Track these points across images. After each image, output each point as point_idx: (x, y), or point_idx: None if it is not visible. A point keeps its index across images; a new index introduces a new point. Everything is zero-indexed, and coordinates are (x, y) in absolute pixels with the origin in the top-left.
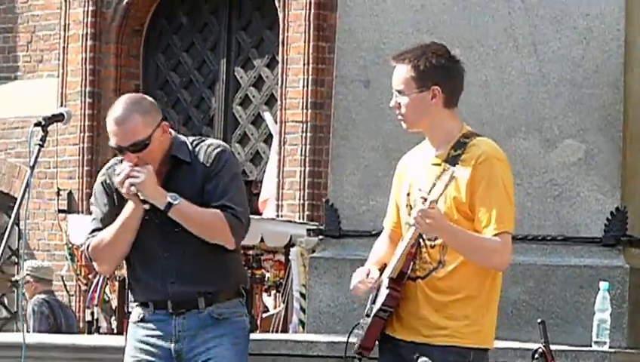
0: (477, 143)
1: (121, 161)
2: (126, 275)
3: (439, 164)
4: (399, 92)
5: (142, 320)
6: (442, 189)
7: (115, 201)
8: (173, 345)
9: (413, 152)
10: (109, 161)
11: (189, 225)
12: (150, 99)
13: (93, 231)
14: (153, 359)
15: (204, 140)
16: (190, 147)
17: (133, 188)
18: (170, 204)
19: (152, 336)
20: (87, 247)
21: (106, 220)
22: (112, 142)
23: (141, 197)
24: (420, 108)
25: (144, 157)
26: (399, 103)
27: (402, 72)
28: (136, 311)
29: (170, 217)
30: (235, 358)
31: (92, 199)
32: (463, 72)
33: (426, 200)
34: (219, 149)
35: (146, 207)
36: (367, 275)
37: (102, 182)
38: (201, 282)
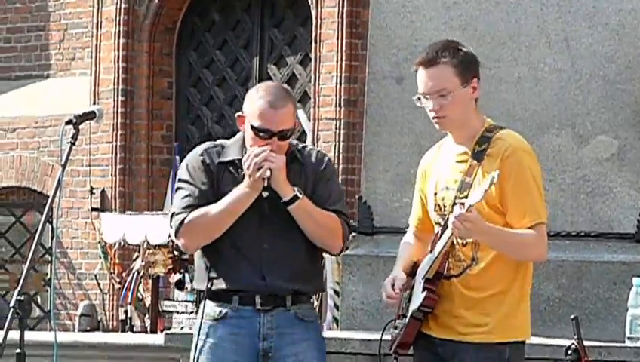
0: (502, 137)
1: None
2: (201, 262)
3: (465, 161)
4: (442, 93)
5: (224, 317)
6: (482, 194)
7: (214, 182)
8: (261, 343)
9: (435, 150)
10: (197, 147)
11: (307, 222)
12: None
13: (188, 207)
14: (240, 358)
15: (305, 146)
16: (297, 149)
17: (268, 173)
18: (296, 197)
19: (238, 334)
20: (181, 222)
21: (203, 199)
22: (260, 124)
23: (265, 184)
24: (464, 105)
25: (282, 148)
26: (441, 105)
27: (443, 72)
28: (211, 307)
29: (281, 209)
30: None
31: (184, 176)
32: None
33: (463, 204)
34: (327, 157)
35: (265, 194)
36: (393, 285)
37: (202, 161)
38: (296, 280)
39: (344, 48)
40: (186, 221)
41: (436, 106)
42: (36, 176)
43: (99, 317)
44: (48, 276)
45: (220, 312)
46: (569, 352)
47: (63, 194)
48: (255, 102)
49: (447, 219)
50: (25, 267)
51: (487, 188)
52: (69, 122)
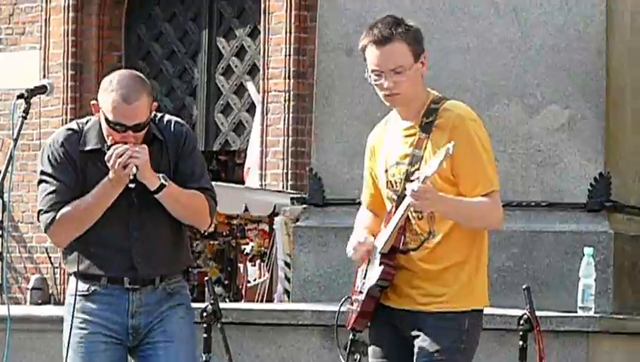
0: (448, 107)
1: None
2: (72, 248)
3: (413, 135)
4: (397, 71)
5: (93, 293)
6: (437, 166)
7: (79, 174)
8: (130, 320)
9: (382, 126)
10: (55, 134)
11: (175, 207)
12: None
13: (55, 204)
14: (108, 333)
15: (164, 115)
16: (155, 124)
17: (135, 169)
18: (162, 186)
19: (107, 311)
20: (51, 221)
21: (69, 193)
22: (113, 118)
23: (130, 177)
24: (416, 81)
25: (139, 138)
26: (395, 82)
27: (399, 49)
28: (80, 284)
29: (148, 197)
30: (187, 326)
31: (47, 169)
32: None
33: (420, 177)
34: (186, 127)
35: (132, 186)
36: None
37: (64, 153)
38: (166, 264)
39: (293, 20)
40: (55, 219)
41: (390, 83)
42: None
43: (50, 291)
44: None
45: (89, 289)
46: (521, 322)
47: (14, 168)
48: (108, 95)
49: (401, 193)
50: None
51: (442, 159)
52: (20, 96)
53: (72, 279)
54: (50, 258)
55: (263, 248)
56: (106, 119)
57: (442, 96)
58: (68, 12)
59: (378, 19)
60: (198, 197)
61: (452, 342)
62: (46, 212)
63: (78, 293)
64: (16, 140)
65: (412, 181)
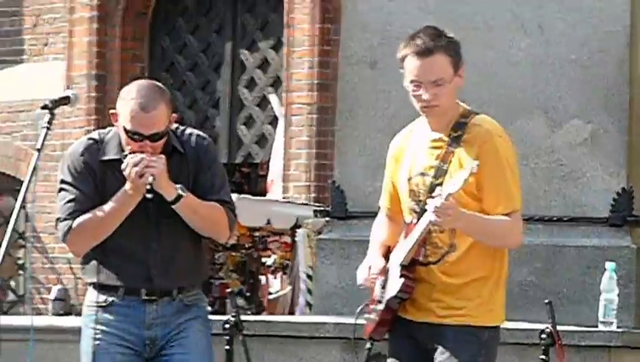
0: (478, 122)
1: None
2: (90, 259)
3: (440, 147)
4: (438, 83)
5: (110, 305)
6: (461, 184)
7: (98, 183)
8: (146, 332)
9: (407, 133)
10: (76, 144)
11: (193, 218)
12: None
13: (73, 212)
14: (125, 344)
15: (186, 128)
16: (177, 136)
17: (151, 178)
18: (180, 196)
19: (123, 322)
20: (68, 229)
21: (88, 203)
22: (131, 127)
23: (148, 187)
24: (454, 93)
25: (157, 148)
26: (434, 94)
27: (439, 62)
28: (96, 295)
29: (166, 208)
30: (204, 339)
31: (67, 177)
32: None
33: (442, 194)
34: (207, 141)
35: (149, 196)
36: (369, 269)
37: (84, 161)
38: (183, 276)
39: (316, 33)
40: (72, 228)
41: (430, 95)
42: (10, 161)
43: (72, 302)
44: (22, 260)
45: (106, 300)
46: (543, 336)
47: (37, 178)
48: (127, 103)
49: (424, 205)
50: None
51: (466, 177)
52: (44, 107)
53: (90, 290)
54: (72, 269)
55: (285, 260)
56: (124, 128)
57: (471, 110)
58: (92, 23)
59: (419, 30)
60: (217, 209)
61: (471, 355)
62: (64, 220)
63: (95, 304)
64: (39, 151)
65: (434, 197)
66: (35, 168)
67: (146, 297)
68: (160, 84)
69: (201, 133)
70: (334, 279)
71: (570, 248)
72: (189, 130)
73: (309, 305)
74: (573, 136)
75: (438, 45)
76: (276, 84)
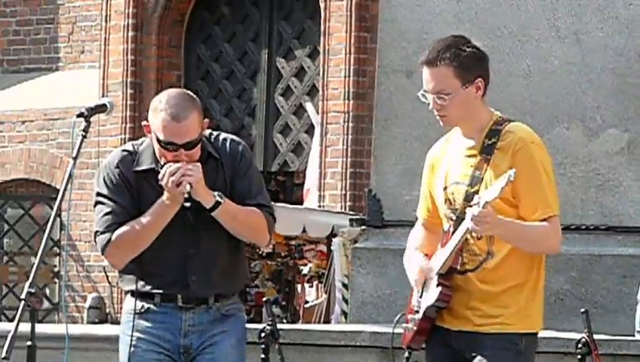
0: (511, 129)
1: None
2: (128, 267)
3: (475, 155)
4: (443, 94)
5: (147, 312)
6: (498, 192)
7: (135, 194)
8: (182, 339)
9: (443, 142)
10: (111, 156)
11: (232, 223)
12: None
13: (110, 225)
14: (161, 351)
15: (219, 134)
16: (211, 142)
17: (188, 187)
18: (218, 203)
19: (159, 329)
20: (107, 241)
21: (124, 215)
22: (164, 137)
23: (185, 196)
24: (466, 105)
25: (192, 156)
26: (441, 105)
27: (443, 73)
28: (134, 302)
29: (204, 214)
30: (237, 354)
31: (103, 190)
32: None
33: (480, 202)
34: (242, 145)
35: (187, 205)
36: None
37: (119, 174)
38: (221, 283)
39: (353, 41)
40: (111, 241)
41: (436, 106)
42: (45, 169)
43: (107, 310)
44: (57, 268)
45: (143, 307)
46: (579, 345)
47: (73, 186)
48: (158, 114)
49: (460, 213)
50: (35, 260)
51: (503, 185)
52: (80, 115)
53: (128, 297)
54: (107, 277)
55: (320, 269)
56: (157, 139)
57: (506, 118)
58: (127, 31)
59: (439, 39)
60: (256, 214)
61: None
62: (102, 233)
63: (132, 311)
64: (75, 159)
65: (472, 205)
66: (70, 176)
67: (182, 304)
68: (189, 92)
69: (235, 137)
70: (370, 288)
71: (607, 257)
72: (223, 135)
73: (344, 313)
74: (610, 145)
75: (441, 57)
76: (312, 92)
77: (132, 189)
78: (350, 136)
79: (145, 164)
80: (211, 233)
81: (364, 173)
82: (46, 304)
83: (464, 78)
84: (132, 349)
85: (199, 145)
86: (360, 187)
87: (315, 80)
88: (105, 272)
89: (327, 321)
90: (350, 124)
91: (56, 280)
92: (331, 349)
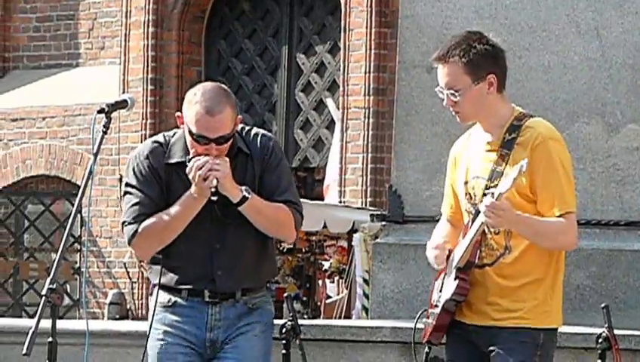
0: (531, 125)
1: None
2: (156, 261)
3: (495, 150)
4: (454, 90)
5: (174, 305)
6: (511, 183)
7: (164, 186)
8: (208, 333)
9: (465, 138)
10: (141, 146)
11: (259, 219)
12: None
13: (138, 216)
14: (186, 344)
15: (251, 129)
16: (242, 137)
17: (215, 182)
18: (245, 198)
19: (186, 323)
20: (134, 233)
21: (152, 206)
22: (197, 130)
23: (212, 190)
24: (479, 101)
25: (223, 151)
26: (454, 101)
27: (453, 70)
28: (163, 295)
29: (231, 209)
30: (261, 344)
31: (132, 181)
32: (505, 54)
33: (493, 194)
34: (272, 141)
35: (215, 198)
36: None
37: (148, 166)
38: (247, 277)
39: (373, 37)
40: (138, 232)
41: (450, 102)
42: (65, 165)
43: (128, 306)
44: (77, 265)
45: (170, 300)
46: (600, 341)
47: (93, 183)
48: (192, 106)
49: (478, 208)
50: (56, 256)
51: (516, 176)
52: (101, 111)
53: (156, 290)
54: (128, 273)
55: (341, 265)
56: (190, 131)
57: (526, 113)
58: (148, 27)
59: (453, 35)
60: (283, 210)
61: (526, 356)
62: (129, 224)
63: (159, 305)
64: (96, 155)
65: (486, 197)
66: (90, 172)
67: (209, 299)
68: (225, 87)
69: (267, 133)
70: (391, 283)
71: (627, 252)
72: (254, 131)
73: (365, 309)
74: (630, 140)
75: (452, 53)
76: (333, 88)
77: (161, 181)
78: (371, 132)
79: (176, 157)
80: (238, 228)
81: (384, 169)
82: (67, 300)
83: (475, 75)
84: (158, 342)
85: (230, 141)
86: (380, 183)
87: (336, 76)
88: (125, 268)
89: (347, 317)
90: (371, 120)
91: (77, 277)
92: (352, 345)
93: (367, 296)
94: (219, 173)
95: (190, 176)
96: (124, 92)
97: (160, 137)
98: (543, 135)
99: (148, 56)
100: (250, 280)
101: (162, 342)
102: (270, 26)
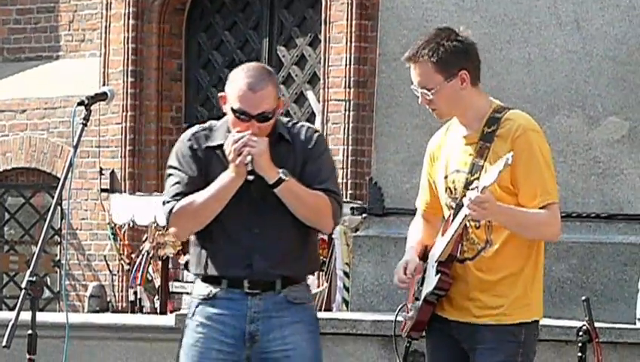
0: (510, 117)
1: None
2: (195, 247)
3: (474, 143)
4: (427, 89)
5: (213, 298)
6: (496, 176)
7: (203, 169)
8: (247, 326)
9: (443, 132)
10: (188, 129)
11: (295, 203)
12: None
13: (177, 195)
14: (224, 338)
15: (297, 122)
16: (286, 127)
17: (249, 158)
18: (281, 180)
19: (225, 315)
20: (170, 210)
21: (192, 186)
22: (239, 106)
23: (249, 169)
24: (453, 97)
25: (264, 130)
26: (428, 99)
27: (424, 70)
28: (202, 287)
29: (269, 193)
30: (311, 348)
31: (173, 162)
32: (476, 47)
33: (477, 187)
34: (318, 133)
35: (250, 178)
36: (405, 270)
37: (190, 147)
38: (285, 266)
39: (353, 29)
40: (174, 210)
41: (424, 100)
42: (46, 158)
43: (108, 299)
44: (58, 257)
45: (210, 292)
46: (580, 333)
47: (73, 175)
48: (234, 83)
49: (460, 201)
50: (36, 248)
51: (501, 169)
52: (80, 103)
53: (197, 282)
54: (108, 265)
55: (322, 257)
56: (232, 108)
57: (505, 106)
58: (128, 19)
59: (422, 34)
60: (321, 197)
61: (509, 355)
62: (167, 202)
63: (198, 297)
64: (76, 147)
65: (470, 190)
66: (71, 165)
67: (248, 290)
68: (268, 67)
69: (312, 126)
70: (371, 276)
71: (608, 245)
72: (300, 123)
73: (345, 302)
74: (610, 133)
75: (421, 53)
76: (313, 80)
77: (200, 162)
78: (351, 125)
79: (217, 140)
80: (277, 213)
81: (365, 162)
82: (47, 293)
83: (446, 72)
84: (195, 335)
85: (272, 122)
86: (361, 175)
87: (316, 68)
88: (106, 261)
89: (328, 309)
90: (351, 113)
91: (57, 269)
92: (332, 337)
93: (347, 289)
94: (254, 149)
95: (227, 151)
96: (104, 84)
97: (207, 123)
98: (524, 126)
99: (128, 48)
100: (289, 269)
101: (198, 335)
102: (250, 19)
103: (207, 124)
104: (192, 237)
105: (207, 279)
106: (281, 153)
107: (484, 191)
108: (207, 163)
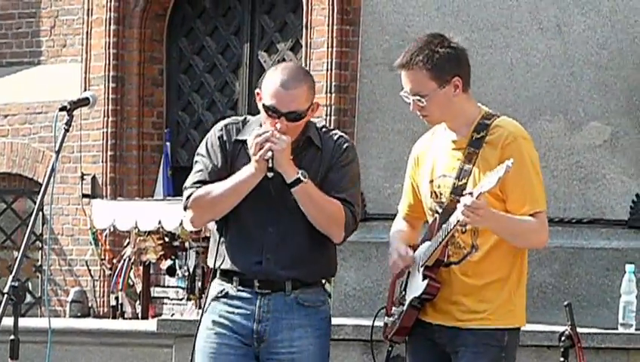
0: (500, 124)
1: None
2: (213, 239)
3: (462, 148)
4: (420, 96)
5: (225, 296)
6: (496, 182)
7: (228, 160)
8: (255, 325)
9: (429, 137)
10: (221, 120)
11: (309, 206)
12: None
13: (198, 181)
14: (233, 335)
15: (331, 129)
16: (319, 133)
17: (269, 153)
18: (298, 180)
19: (234, 314)
20: (189, 196)
21: (214, 175)
22: (270, 102)
23: (269, 165)
24: (446, 104)
25: (292, 129)
26: (421, 106)
27: (418, 77)
28: (216, 285)
29: (288, 193)
30: (319, 352)
31: (202, 150)
32: (467, 53)
33: (471, 193)
34: (349, 143)
35: (270, 175)
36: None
37: (219, 137)
38: (295, 267)
39: (335, 35)
40: (192, 196)
41: (416, 107)
42: (27, 163)
43: (90, 304)
44: (39, 262)
45: (222, 290)
46: (562, 338)
47: (55, 180)
48: (269, 80)
49: (446, 206)
50: (18, 253)
51: (501, 175)
52: (62, 108)
53: (214, 281)
54: (90, 271)
55: None
56: (263, 105)
57: (493, 113)
58: (109, 25)
59: (414, 40)
60: (336, 205)
61: (492, 359)
62: (187, 188)
63: (211, 296)
64: (58, 153)
65: (464, 195)
66: (52, 170)
67: (258, 289)
68: (306, 68)
69: (345, 135)
70: (353, 281)
71: (590, 250)
72: (334, 131)
73: None
74: (592, 138)
75: (414, 60)
76: None
77: (227, 154)
78: None
79: (246, 135)
80: (293, 215)
81: None
82: (29, 298)
83: (440, 79)
84: (207, 332)
85: (302, 122)
86: None
87: None
88: (87, 266)
89: None
90: (332, 118)
91: (39, 274)
92: None
93: (329, 294)
94: (276, 145)
95: (249, 145)
96: (85, 90)
97: (241, 117)
98: (514, 134)
99: (109, 53)
100: (300, 272)
101: (210, 332)
102: (232, 24)
103: (241, 118)
104: (213, 229)
105: (221, 273)
106: (307, 157)
107: (479, 197)
108: (233, 155)
